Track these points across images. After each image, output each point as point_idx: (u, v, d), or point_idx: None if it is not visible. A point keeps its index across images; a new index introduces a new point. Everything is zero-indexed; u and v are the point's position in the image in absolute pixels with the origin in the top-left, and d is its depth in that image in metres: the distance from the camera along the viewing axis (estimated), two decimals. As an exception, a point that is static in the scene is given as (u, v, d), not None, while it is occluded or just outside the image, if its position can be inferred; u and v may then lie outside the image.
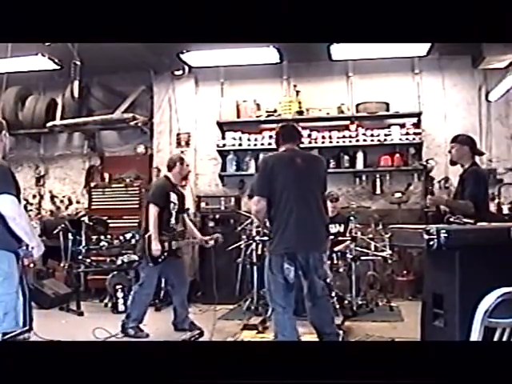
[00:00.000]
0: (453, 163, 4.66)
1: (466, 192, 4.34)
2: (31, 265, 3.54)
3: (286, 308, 4.11)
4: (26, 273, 3.56)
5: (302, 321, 4.69)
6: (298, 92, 7.85)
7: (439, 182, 7.40)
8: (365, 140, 7.53)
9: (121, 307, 6.33)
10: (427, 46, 6.19)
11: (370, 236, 6.82)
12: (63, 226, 6.93)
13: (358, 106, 7.72)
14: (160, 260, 5.16)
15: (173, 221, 5.28)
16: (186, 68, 7.86)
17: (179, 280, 5.41)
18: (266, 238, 6.22)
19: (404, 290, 7.09)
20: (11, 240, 3.08)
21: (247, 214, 6.82)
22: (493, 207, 6.88)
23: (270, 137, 7.68)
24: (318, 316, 4.22)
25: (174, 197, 5.29)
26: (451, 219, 3.63)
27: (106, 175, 8.40)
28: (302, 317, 4.71)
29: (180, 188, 5.52)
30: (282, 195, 4.06)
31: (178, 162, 5.36)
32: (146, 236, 5.11)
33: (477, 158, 4.60)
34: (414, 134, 7.42)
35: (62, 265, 7.01)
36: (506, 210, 7.12)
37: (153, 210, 5.09)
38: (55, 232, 6.85)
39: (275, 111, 7.86)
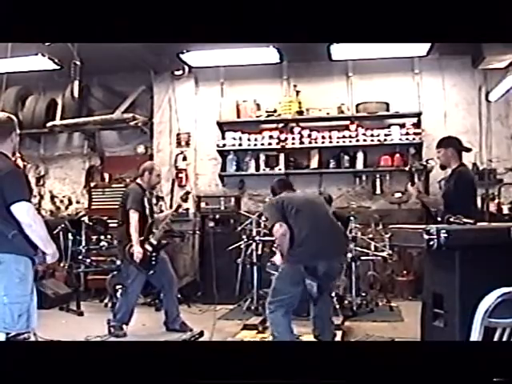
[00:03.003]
0: (442, 167, 4.77)
1: (450, 192, 4.51)
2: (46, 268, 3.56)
3: (286, 308, 4.16)
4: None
5: (302, 321, 4.70)
6: (298, 92, 7.84)
7: (439, 181, 7.40)
8: (365, 140, 7.51)
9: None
10: (427, 45, 6.18)
11: (370, 236, 6.81)
12: (63, 226, 6.93)
13: (357, 106, 7.71)
14: (153, 263, 5.29)
15: (150, 222, 5.42)
16: (186, 68, 7.85)
17: (167, 277, 5.46)
18: (265, 238, 6.28)
19: (404, 290, 7.09)
20: (27, 246, 3.11)
21: (247, 214, 6.82)
22: (493, 207, 6.89)
23: (270, 137, 7.69)
24: (319, 309, 4.37)
25: (146, 201, 5.44)
26: (451, 219, 3.63)
27: (106, 175, 8.40)
28: (302, 317, 4.72)
29: (149, 194, 5.63)
30: (297, 214, 4.26)
31: (146, 172, 5.50)
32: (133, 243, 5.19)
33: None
34: (414, 133, 7.41)
35: (61, 265, 6.99)
36: (506, 210, 7.11)
37: (135, 217, 5.22)
38: (55, 232, 6.83)
39: (275, 111, 7.85)
